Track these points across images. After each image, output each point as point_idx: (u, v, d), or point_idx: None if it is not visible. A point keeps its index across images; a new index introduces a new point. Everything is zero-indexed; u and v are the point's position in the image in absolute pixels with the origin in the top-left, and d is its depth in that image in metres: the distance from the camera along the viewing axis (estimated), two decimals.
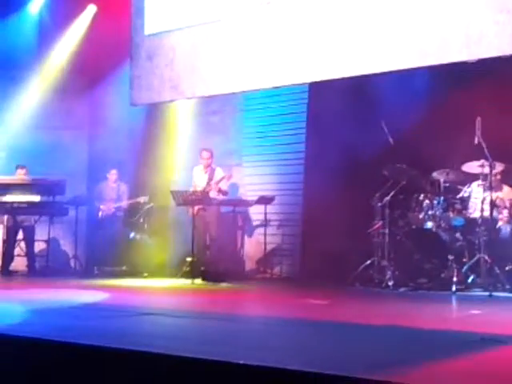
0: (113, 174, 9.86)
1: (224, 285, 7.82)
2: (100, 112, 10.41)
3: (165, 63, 8.47)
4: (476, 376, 2.70)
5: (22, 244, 9.37)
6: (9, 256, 9.17)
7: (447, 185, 7.28)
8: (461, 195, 7.27)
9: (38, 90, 10.43)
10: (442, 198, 7.20)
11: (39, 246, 9.39)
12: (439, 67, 6.61)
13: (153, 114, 9.74)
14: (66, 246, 10.17)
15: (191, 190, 8.59)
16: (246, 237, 9.27)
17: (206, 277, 8.06)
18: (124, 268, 9.35)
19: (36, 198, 9.22)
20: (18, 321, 4.34)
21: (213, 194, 8.45)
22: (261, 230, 9.00)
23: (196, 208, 8.42)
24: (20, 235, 9.36)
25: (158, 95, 8.65)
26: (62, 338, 3.32)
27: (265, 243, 8.75)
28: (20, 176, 9.38)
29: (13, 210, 9.11)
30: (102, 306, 5.56)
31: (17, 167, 9.46)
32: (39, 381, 3.22)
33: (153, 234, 9.70)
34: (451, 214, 7.19)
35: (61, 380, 3.16)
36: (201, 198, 8.29)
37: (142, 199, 9.48)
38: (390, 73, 6.92)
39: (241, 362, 2.74)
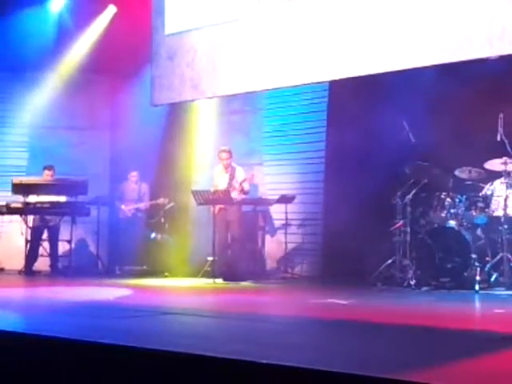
0: (133, 176, 9.92)
1: (245, 284, 7.83)
2: (122, 112, 10.46)
3: (185, 63, 8.49)
4: (499, 376, 2.68)
5: (45, 244, 9.45)
6: (33, 256, 9.25)
7: (469, 183, 7.22)
8: (483, 193, 7.19)
9: (59, 90, 10.51)
10: (464, 196, 7.14)
11: (62, 246, 9.46)
12: (461, 64, 6.56)
13: (174, 113, 9.77)
14: (89, 245, 10.25)
15: (212, 189, 8.59)
16: (266, 236, 9.26)
17: (227, 276, 8.07)
18: (145, 267, 9.40)
19: (59, 199, 9.31)
20: (43, 320, 4.38)
21: (234, 195, 8.43)
22: (281, 229, 8.99)
23: (217, 207, 8.43)
24: (44, 235, 9.44)
25: (179, 95, 8.67)
26: (85, 337, 3.34)
27: (286, 242, 8.74)
28: (47, 177, 9.46)
29: (36, 210, 9.19)
30: (124, 305, 5.59)
31: (44, 168, 9.54)
32: (63, 380, 3.24)
33: (174, 233, 9.74)
34: (474, 213, 7.12)
35: (85, 379, 3.18)
36: (222, 198, 8.29)
37: (161, 201, 9.52)
38: (411, 70, 6.88)
39: (263, 361, 2.74)
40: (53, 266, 9.33)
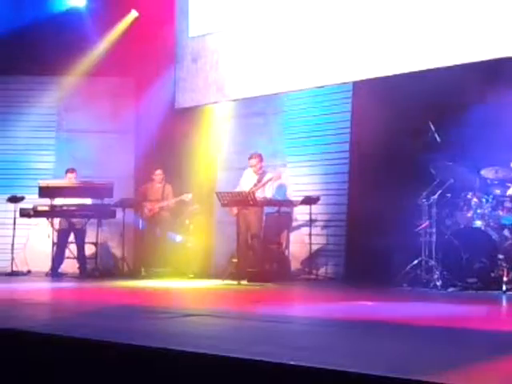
0: (158, 175, 9.93)
1: (270, 285, 7.82)
2: (146, 115, 10.53)
3: (209, 65, 8.54)
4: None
5: (71, 247, 9.54)
6: (59, 258, 9.35)
7: (496, 182, 7.14)
8: (510, 193, 7.12)
9: (85, 94, 10.62)
10: (490, 196, 7.07)
11: (88, 249, 9.54)
12: (486, 62, 6.50)
13: (197, 115, 9.81)
14: (114, 247, 10.33)
15: (236, 190, 8.61)
16: (291, 237, 9.26)
17: (251, 278, 8.08)
18: (170, 269, 9.45)
19: (85, 201, 9.41)
20: (69, 322, 4.42)
21: (258, 194, 8.42)
22: (306, 231, 8.97)
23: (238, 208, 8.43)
24: (71, 238, 9.52)
25: (203, 97, 8.72)
26: (110, 338, 3.36)
27: (310, 243, 8.73)
28: (70, 180, 9.55)
29: (63, 213, 9.29)
30: (148, 307, 5.62)
31: (67, 171, 9.64)
32: (87, 381, 3.27)
33: (197, 234, 9.78)
34: (500, 213, 7.05)
35: (110, 380, 3.20)
36: (245, 199, 8.29)
37: (185, 197, 9.53)
38: (435, 70, 6.84)
39: (291, 362, 2.74)
40: (81, 268, 9.41)
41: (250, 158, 8.67)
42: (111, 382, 3.18)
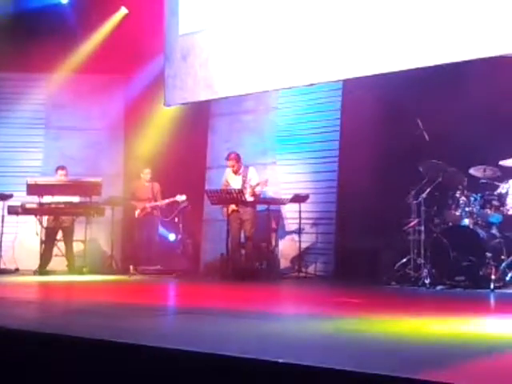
0: (147, 174, 9.93)
1: (259, 283, 7.82)
2: (136, 113, 10.50)
3: (199, 63, 8.51)
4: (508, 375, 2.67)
5: (60, 244, 9.50)
6: (47, 256, 9.31)
7: (484, 181, 7.18)
8: (498, 191, 7.15)
9: (73, 91, 10.58)
10: (479, 194, 7.10)
11: (76, 247, 9.51)
12: (476, 61, 6.53)
13: (187, 113, 9.79)
14: (103, 245, 10.29)
15: (225, 189, 8.61)
16: (280, 235, 9.27)
17: (240, 275, 8.08)
18: (159, 267, 9.43)
19: (74, 199, 9.37)
20: (56, 320, 4.41)
21: (247, 198, 8.42)
22: (295, 229, 8.99)
23: (231, 208, 8.44)
24: (59, 236, 9.48)
25: (193, 95, 8.69)
26: (98, 336, 3.36)
27: (299, 241, 8.74)
28: (60, 177, 9.51)
29: (51, 210, 9.25)
30: (140, 305, 5.61)
31: (57, 168, 9.60)
32: (75, 379, 3.26)
33: (187, 232, 9.77)
34: (488, 211, 7.09)
35: (97, 378, 3.19)
36: (235, 197, 8.30)
37: (179, 198, 9.53)
38: (425, 68, 6.85)
39: (280, 360, 2.74)
40: (69, 266, 9.37)
41: (228, 159, 8.67)
42: (102, 380, 3.18)
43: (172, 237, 9.72)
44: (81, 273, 9.06)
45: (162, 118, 9.94)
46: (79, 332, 3.51)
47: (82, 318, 4.49)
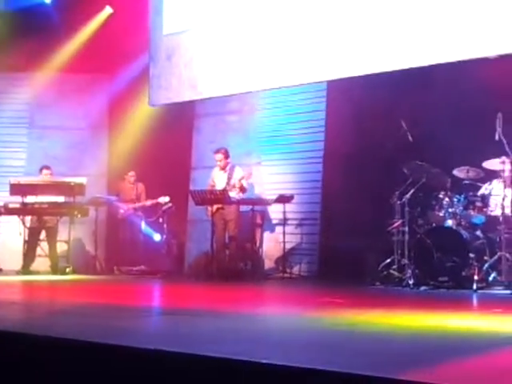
0: (131, 176, 9.92)
1: (242, 284, 7.82)
2: (120, 112, 10.46)
3: (183, 63, 8.50)
4: (495, 375, 2.68)
5: (43, 244, 9.44)
6: (30, 256, 9.25)
7: (468, 182, 7.22)
8: (481, 193, 7.20)
9: (57, 90, 10.52)
10: (462, 195, 7.14)
11: (60, 247, 9.45)
12: (459, 63, 6.57)
13: (171, 113, 9.76)
14: (87, 246, 10.24)
15: (209, 189, 8.61)
16: (264, 236, 9.26)
17: (224, 276, 8.07)
18: (143, 267, 9.40)
19: (57, 199, 9.30)
20: (40, 321, 4.38)
21: (233, 194, 8.44)
22: (280, 229, 8.99)
23: (215, 207, 8.44)
24: (42, 236, 9.42)
25: (177, 95, 8.68)
26: (81, 337, 3.34)
27: (284, 242, 8.74)
28: (45, 177, 9.45)
29: (34, 210, 9.19)
30: (120, 305, 5.59)
31: (41, 168, 9.53)
32: (61, 380, 3.24)
33: (171, 233, 9.75)
34: (472, 212, 7.13)
35: (83, 379, 3.18)
36: (219, 198, 8.30)
37: (162, 199, 9.51)
38: (408, 70, 6.89)
39: (263, 360, 2.74)
40: (52, 266, 9.31)
41: (216, 153, 8.67)
42: (86, 381, 3.16)
43: (157, 237, 9.69)
44: (64, 273, 9.00)
45: (147, 118, 9.90)
46: (63, 333, 3.49)
47: (65, 319, 4.46)
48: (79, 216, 9.27)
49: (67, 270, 9.09)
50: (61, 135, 10.50)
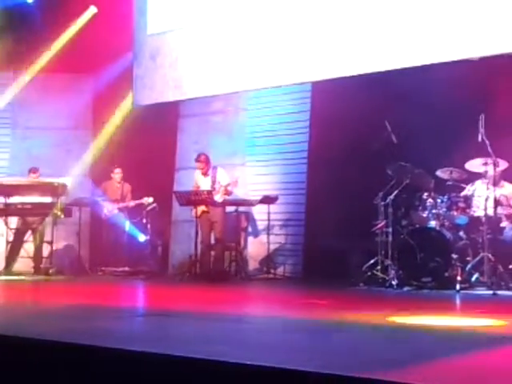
0: (117, 173, 9.84)
1: (227, 285, 7.81)
2: (104, 113, 10.41)
3: (168, 63, 8.48)
4: (478, 374, 2.70)
5: (27, 245, 9.37)
6: (14, 257, 9.18)
7: (451, 183, 7.26)
8: (464, 193, 7.25)
9: (41, 90, 10.45)
10: (445, 196, 7.18)
11: (43, 247, 9.37)
12: (443, 65, 6.61)
13: (155, 113, 9.72)
14: (70, 247, 10.18)
15: (193, 190, 8.59)
16: (249, 237, 9.26)
17: (209, 277, 8.06)
18: (127, 268, 9.35)
19: (40, 200, 9.22)
20: (23, 322, 4.34)
21: (217, 198, 8.39)
22: (264, 230, 8.99)
23: (200, 209, 8.41)
24: (27, 237, 9.35)
25: (161, 95, 8.66)
26: (65, 339, 3.32)
27: (268, 243, 8.74)
28: (30, 179, 9.37)
29: (17, 211, 9.11)
30: (103, 307, 5.56)
31: (29, 171, 9.45)
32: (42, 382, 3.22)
33: (156, 234, 9.72)
34: (455, 213, 7.17)
35: (62, 381, 3.16)
36: (204, 199, 8.28)
37: (145, 200, 9.47)
38: (393, 71, 6.92)
39: (247, 362, 2.74)
40: (35, 267, 9.24)
41: (197, 161, 8.62)
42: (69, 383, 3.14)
43: (142, 237, 9.64)
44: (47, 274, 8.94)
45: (131, 119, 9.86)
46: (44, 335, 3.47)
47: (47, 320, 4.43)
48: (62, 217, 9.21)
49: (50, 270, 9.03)
50: (44, 135, 10.43)
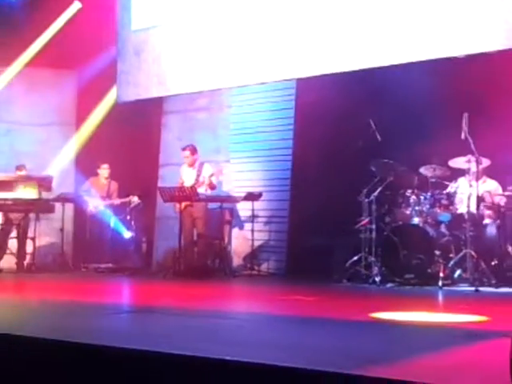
0: (104, 169, 9.75)
1: (210, 281, 7.81)
2: (88, 109, 10.35)
3: (152, 59, 8.44)
4: (461, 369, 2.71)
5: (10, 241, 9.30)
6: None
7: (434, 180, 7.30)
8: (447, 191, 7.30)
9: (25, 86, 10.37)
10: (428, 193, 7.22)
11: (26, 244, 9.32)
12: (427, 62, 6.64)
13: (139, 109, 9.68)
14: (53, 243, 10.11)
15: (177, 186, 8.58)
16: (233, 233, 9.26)
17: (192, 273, 8.05)
18: (111, 265, 9.31)
19: (22, 196, 9.15)
20: (9, 319, 4.31)
21: (201, 190, 8.42)
22: (248, 227, 8.98)
23: (183, 204, 8.40)
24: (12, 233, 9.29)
25: (146, 91, 8.62)
26: (47, 336, 3.30)
27: (252, 239, 8.74)
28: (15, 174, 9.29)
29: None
30: (87, 304, 5.53)
31: (16, 168, 9.37)
32: (32, 380, 3.20)
33: (140, 230, 9.69)
34: (438, 210, 7.21)
35: (48, 378, 3.14)
36: (188, 195, 8.27)
37: (131, 198, 9.41)
38: (377, 69, 6.94)
39: (227, 357, 2.74)
40: (18, 263, 9.18)
41: (183, 150, 8.65)
42: (52, 381, 3.13)
43: (128, 234, 9.59)
44: (30, 271, 8.89)
45: (115, 115, 9.81)
46: (29, 331, 3.45)
47: (31, 317, 4.41)
48: (45, 213, 9.15)
49: (33, 267, 8.97)
50: (28, 131, 10.36)
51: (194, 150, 8.64)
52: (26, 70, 10.29)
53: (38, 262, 9.15)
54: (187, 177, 8.67)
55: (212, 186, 8.54)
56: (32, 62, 10.22)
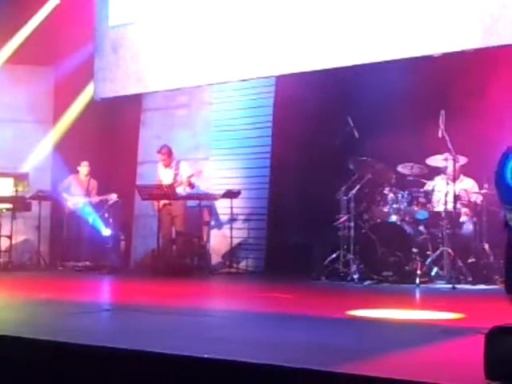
0: (84, 166, 9.64)
1: (189, 279, 7.79)
2: (65, 105, 10.26)
3: (130, 55, 8.38)
4: (437, 366, 2.73)
5: None
6: None
7: (411, 178, 7.34)
8: (425, 189, 7.35)
9: (0, 81, 10.26)
10: (406, 191, 7.26)
11: (2, 242, 9.22)
12: (405, 60, 6.67)
13: (117, 107, 9.62)
14: (29, 241, 10.02)
15: (156, 184, 8.54)
16: (212, 231, 9.24)
17: (171, 271, 8.02)
18: (88, 263, 9.24)
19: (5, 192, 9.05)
20: None
21: (179, 190, 8.37)
22: (227, 224, 8.98)
23: (162, 202, 8.37)
24: None
25: (123, 88, 8.56)
26: (23, 334, 3.27)
27: (231, 237, 8.73)
28: None
29: None
30: (66, 302, 5.49)
31: None
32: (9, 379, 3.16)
33: (119, 228, 9.63)
34: (415, 208, 7.26)
35: (26, 378, 3.11)
36: (166, 193, 8.23)
37: (110, 197, 9.34)
38: (356, 66, 6.95)
39: (205, 355, 2.73)
40: None
41: (158, 153, 8.60)
42: (32, 380, 3.09)
43: (107, 232, 9.52)
44: (6, 269, 8.80)
45: (92, 111, 9.74)
46: (3, 330, 3.41)
47: (7, 315, 4.36)
48: (21, 211, 9.06)
49: (9, 265, 8.88)
50: (4, 128, 10.24)
51: (169, 152, 8.59)
52: (3, 66, 10.17)
53: (15, 260, 9.06)
54: (165, 177, 8.63)
55: (191, 186, 8.50)
56: (9, 59, 10.10)
